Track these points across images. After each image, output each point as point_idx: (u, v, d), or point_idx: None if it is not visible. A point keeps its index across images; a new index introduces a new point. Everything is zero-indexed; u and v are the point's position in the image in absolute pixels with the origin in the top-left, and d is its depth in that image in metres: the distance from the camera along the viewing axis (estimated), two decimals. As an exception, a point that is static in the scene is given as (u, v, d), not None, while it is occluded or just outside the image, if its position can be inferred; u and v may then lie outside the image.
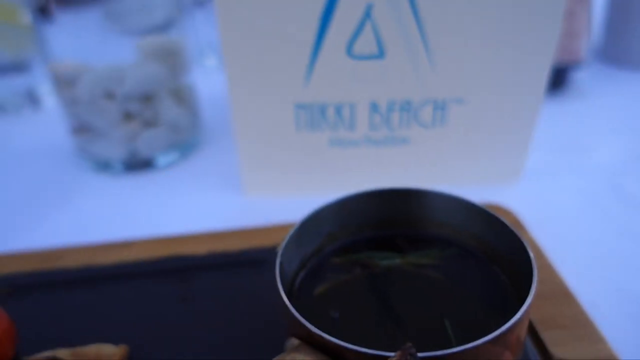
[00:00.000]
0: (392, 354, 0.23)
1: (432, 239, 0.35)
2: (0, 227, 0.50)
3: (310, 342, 0.25)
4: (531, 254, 0.28)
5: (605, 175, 0.53)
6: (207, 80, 0.69)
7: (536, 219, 0.46)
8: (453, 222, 0.35)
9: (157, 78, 0.53)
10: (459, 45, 0.43)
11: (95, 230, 0.48)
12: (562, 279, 0.38)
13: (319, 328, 0.24)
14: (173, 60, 0.55)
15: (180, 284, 0.39)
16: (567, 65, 0.65)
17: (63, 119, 0.58)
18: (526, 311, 0.25)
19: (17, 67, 0.72)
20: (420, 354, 0.23)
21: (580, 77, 0.68)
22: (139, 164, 0.57)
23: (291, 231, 0.31)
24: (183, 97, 0.58)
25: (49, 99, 0.74)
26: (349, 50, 0.43)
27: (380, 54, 0.43)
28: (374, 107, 0.46)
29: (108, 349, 0.33)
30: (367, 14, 0.41)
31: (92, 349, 0.32)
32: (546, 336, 0.33)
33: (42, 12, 0.51)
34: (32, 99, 0.74)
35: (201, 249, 0.43)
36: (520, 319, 0.25)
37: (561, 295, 0.37)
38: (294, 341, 0.26)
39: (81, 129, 0.56)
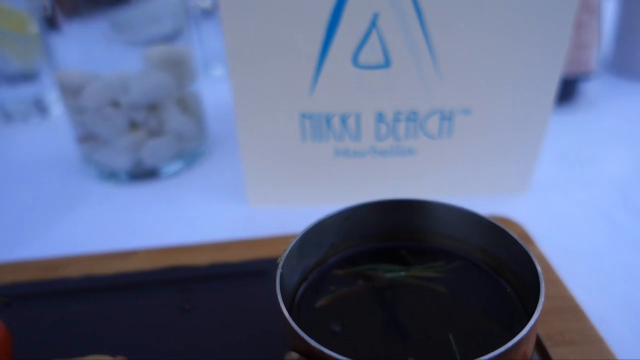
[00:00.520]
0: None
1: (437, 251, 0.34)
2: (6, 235, 0.50)
3: (310, 356, 0.24)
4: (538, 267, 0.28)
5: (615, 187, 0.52)
6: (213, 91, 0.69)
7: (544, 232, 0.45)
8: (458, 234, 0.34)
9: (163, 87, 0.53)
10: (466, 55, 0.43)
11: (99, 239, 0.48)
12: (570, 293, 0.37)
13: (319, 342, 0.24)
14: (179, 70, 0.55)
15: (181, 294, 0.39)
16: (577, 77, 0.64)
17: (69, 127, 0.58)
18: (533, 326, 0.25)
19: (26, 77, 0.73)
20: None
21: (590, 89, 0.67)
22: (143, 173, 0.57)
23: (293, 242, 0.31)
24: (189, 106, 0.58)
25: (56, 107, 0.75)
26: (355, 60, 0.43)
27: (386, 63, 0.43)
28: (380, 117, 0.46)
29: (106, 359, 0.32)
30: (373, 23, 0.41)
31: (90, 359, 0.32)
32: (554, 352, 0.32)
33: (50, 22, 0.51)
34: (39, 107, 0.74)
35: (203, 260, 0.42)
36: (527, 334, 0.24)
37: (570, 310, 0.36)
38: (293, 355, 0.25)
39: (87, 137, 0.56)
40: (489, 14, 0.41)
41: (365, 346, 0.28)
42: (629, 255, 0.43)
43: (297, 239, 0.31)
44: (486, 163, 0.49)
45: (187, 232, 0.48)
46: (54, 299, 0.39)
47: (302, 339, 0.24)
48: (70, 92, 0.53)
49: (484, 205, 0.34)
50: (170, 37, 0.56)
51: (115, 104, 0.52)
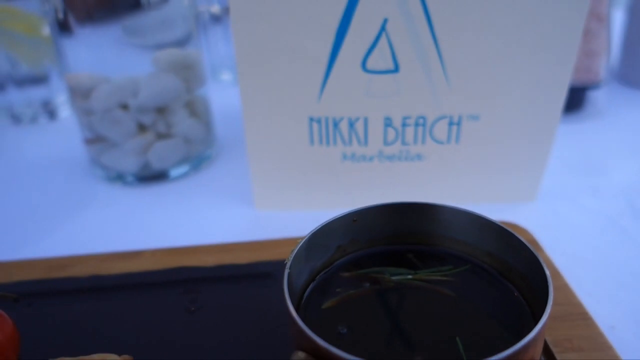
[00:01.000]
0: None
1: (445, 255, 0.34)
2: (14, 234, 0.50)
3: (317, 355, 0.24)
4: (547, 271, 0.27)
5: (623, 195, 0.52)
6: (222, 95, 0.70)
7: (553, 239, 0.45)
8: (466, 238, 0.34)
9: (171, 90, 0.54)
10: (475, 61, 0.43)
11: (106, 240, 0.48)
12: (579, 300, 0.37)
13: (326, 342, 0.24)
14: (188, 73, 0.55)
15: (186, 295, 0.39)
16: (585, 85, 0.64)
17: (78, 129, 0.58)
18: (541, 330, 0.24)
19: (35, 79, 0.74)
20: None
21: (598, 97, 0.67)
22: (151, 176, 0.57)
23: (300, 243, 0.30)
24: (197, 110, 0.58)
25: (65, 109, 0.75)
26: (364, 64, 0.43)
27: (395, 68, 0.43)
28: (388, 122, 0.46)
29: (112, 358, 0.32)
30: (383, 28, 0.41)
31: (95, 358, 0.32)
32: (562, 359, 0.32)
33: (62, 26, 0.52)
34: (47, 109, 0.75)
35: (209, 261, 0.42)
36: (534, 338, 0.24)
37: (578, 317, 0.36)
38: (300, 354, 0.25)
39: (95, 139, 0.56)
40: (498, 21, 0.41)
41: (372, 348, 0.28)
42: (637, 262, 0.43)
43: (304, 240, 0.31)
44: (494, 170, 0.49)
45: (193, 235, 0.48)
46: (61, 298, 0.39)
47: (309, 338, 0.24)
48: (80, 94, 0.53)
49: (491, 213, 0.34)
50: (180, 42, 0.56)
51: (124, 107, 0.53)
